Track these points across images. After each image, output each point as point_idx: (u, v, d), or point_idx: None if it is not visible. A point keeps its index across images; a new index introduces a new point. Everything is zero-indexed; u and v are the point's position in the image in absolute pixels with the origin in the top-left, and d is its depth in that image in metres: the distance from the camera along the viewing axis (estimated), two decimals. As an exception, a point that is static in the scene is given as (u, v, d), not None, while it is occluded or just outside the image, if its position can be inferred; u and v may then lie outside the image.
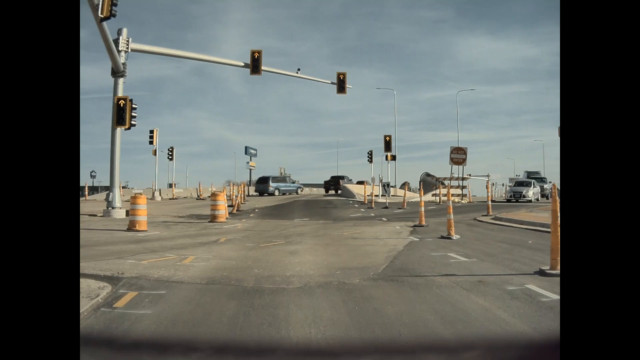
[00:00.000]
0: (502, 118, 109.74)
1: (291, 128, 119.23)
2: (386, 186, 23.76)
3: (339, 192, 42.37)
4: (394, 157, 34.07)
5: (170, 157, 39.61)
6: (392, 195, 28.16)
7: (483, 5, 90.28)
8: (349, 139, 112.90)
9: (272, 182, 40.21)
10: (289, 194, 40.50)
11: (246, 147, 58.89)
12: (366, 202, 25.51)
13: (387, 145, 33.06)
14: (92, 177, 55.12)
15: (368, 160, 43.27)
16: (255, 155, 59.75)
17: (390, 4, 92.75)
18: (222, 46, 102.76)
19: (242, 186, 28.15)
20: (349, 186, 36.84)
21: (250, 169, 58.19)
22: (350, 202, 27.83)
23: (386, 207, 22.02)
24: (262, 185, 39.93)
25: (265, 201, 28.79)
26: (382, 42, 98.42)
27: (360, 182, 46.56)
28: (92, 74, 77.35)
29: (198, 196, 37.42)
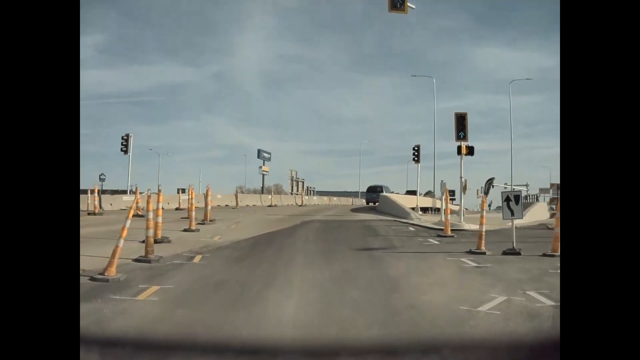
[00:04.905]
0: (518, 128, 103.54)
1: (308, 134, 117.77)
2: (515, 200, 10.44)
3: (376, 204, 30.90)
4: (470, 150, 20.76)
5: (124, 149, 27.19)
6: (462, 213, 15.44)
7: (501, 16, 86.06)
8: (366, 147, 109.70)
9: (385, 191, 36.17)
10: None
11: (259, 150, 51.40)
12: (430, 226, 12.49)
13: (460, 128, 19.92)
14: (101, 180, 49.70)
15: (414, 159, 30.42)
16: (269, 159, 52.26)
17: (409, 12, 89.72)
18: (241, 51, 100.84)
19: (207, 192, 15.34)
20: (394, 197, 23.71)
21: (264, 174, 50.54)
22: (411, 228, 14.74)
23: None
24: (374, 194, 36.02)
25: (255, 221, 15.91)
26: (401, 50, 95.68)
27: (411, 192, 36.00)
28: (112, 78, 78.84)
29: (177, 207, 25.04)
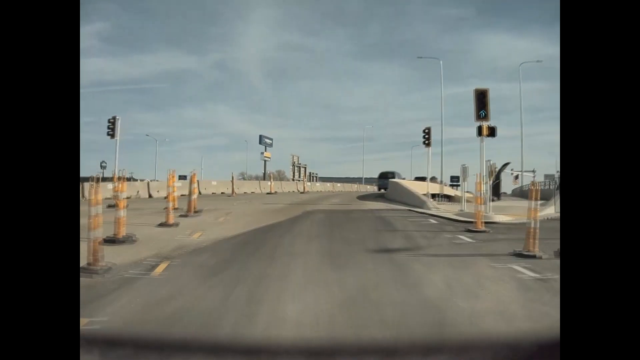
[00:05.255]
0: (523, 114, 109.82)
1: (311, 122, 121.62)
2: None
3: (385, 190, 30.72)
4: (492, 131, 18.51)
5: (111, 132, 25.00)
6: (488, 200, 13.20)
7: (504, 3, 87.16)
8: (370, 135, 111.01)
9: (397, 178, 36.09)
10: None
11: (260, 136, 50.74)
12: (452, 217, 10.44)
13: (481, 106, 17.72)
14: (103, 167, 49.91)
15: (424, 142, 28.47)
16: (271, 145, 51.76)
17: (412, 1, 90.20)
18: (244, 40, 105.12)
19: (192, 178, 13.18)
20: (406, 183, 21.60)
21: (265, 160, 49.76)
22: (432, 220, 12.59)
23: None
24: (386, 180, 35.08)
25: (249, 211, 13.86)
26: (404, 39, 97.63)
27: (419, 178, 36.75)
28: (114, 66, 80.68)
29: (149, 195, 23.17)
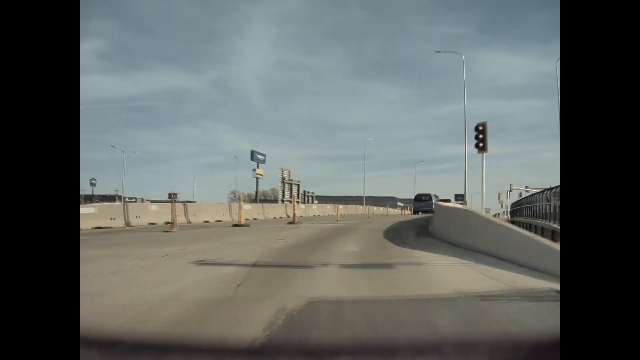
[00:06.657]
0: (520, 133, 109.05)
1: (309, 140, 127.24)
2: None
3: (419, 213, 27.92)
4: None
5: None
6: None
7: (502, 22, 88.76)
8: (367, 152, 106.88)
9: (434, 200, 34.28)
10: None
11: (252, 152, 47.57)
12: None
13: None
14: (92, 184, 49.78)
15: (477, 145, 19.31)
16: (264, 161, 48.45)
17: (411, 20, 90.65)
18: (242, 58, 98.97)
19: None
20: (484, 215, 11.72)
21: (257, 177, 46.26)
22: None
23: None
24: (423, 203, 33.77)
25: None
26: (404, 57, 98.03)
27: (444, 200, 31.83)
28: (114, 84, 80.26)
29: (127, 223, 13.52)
